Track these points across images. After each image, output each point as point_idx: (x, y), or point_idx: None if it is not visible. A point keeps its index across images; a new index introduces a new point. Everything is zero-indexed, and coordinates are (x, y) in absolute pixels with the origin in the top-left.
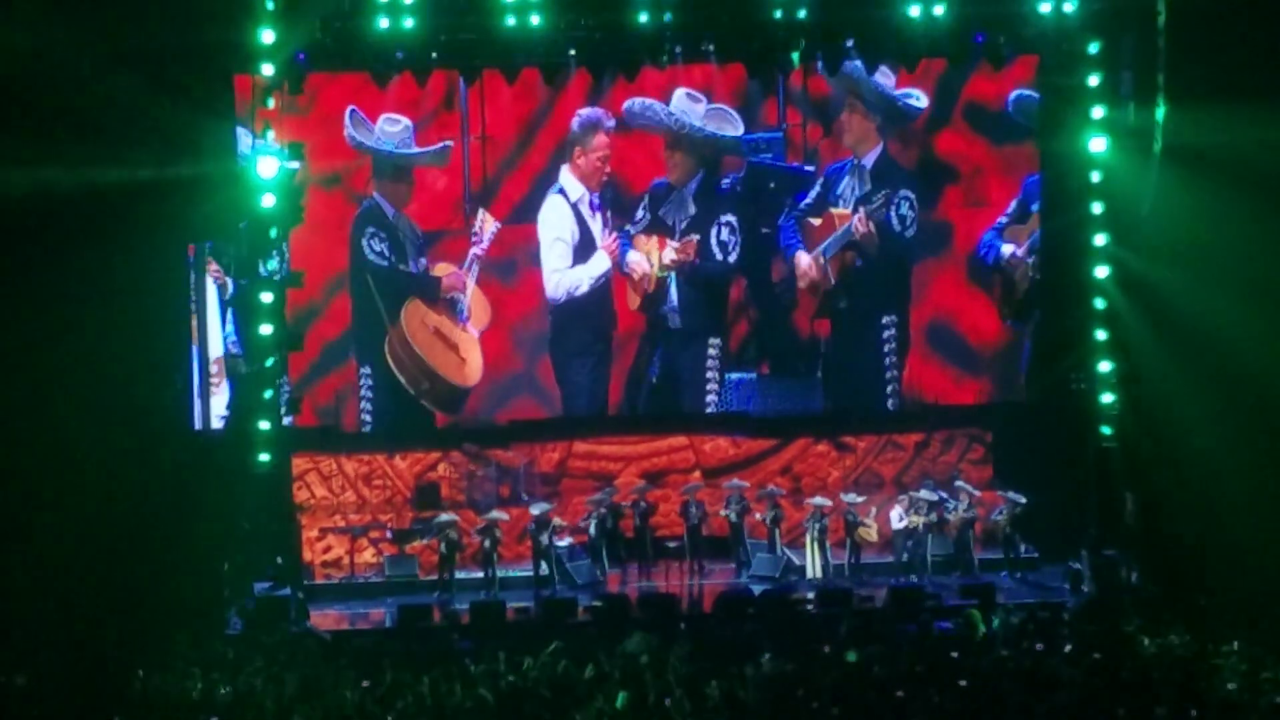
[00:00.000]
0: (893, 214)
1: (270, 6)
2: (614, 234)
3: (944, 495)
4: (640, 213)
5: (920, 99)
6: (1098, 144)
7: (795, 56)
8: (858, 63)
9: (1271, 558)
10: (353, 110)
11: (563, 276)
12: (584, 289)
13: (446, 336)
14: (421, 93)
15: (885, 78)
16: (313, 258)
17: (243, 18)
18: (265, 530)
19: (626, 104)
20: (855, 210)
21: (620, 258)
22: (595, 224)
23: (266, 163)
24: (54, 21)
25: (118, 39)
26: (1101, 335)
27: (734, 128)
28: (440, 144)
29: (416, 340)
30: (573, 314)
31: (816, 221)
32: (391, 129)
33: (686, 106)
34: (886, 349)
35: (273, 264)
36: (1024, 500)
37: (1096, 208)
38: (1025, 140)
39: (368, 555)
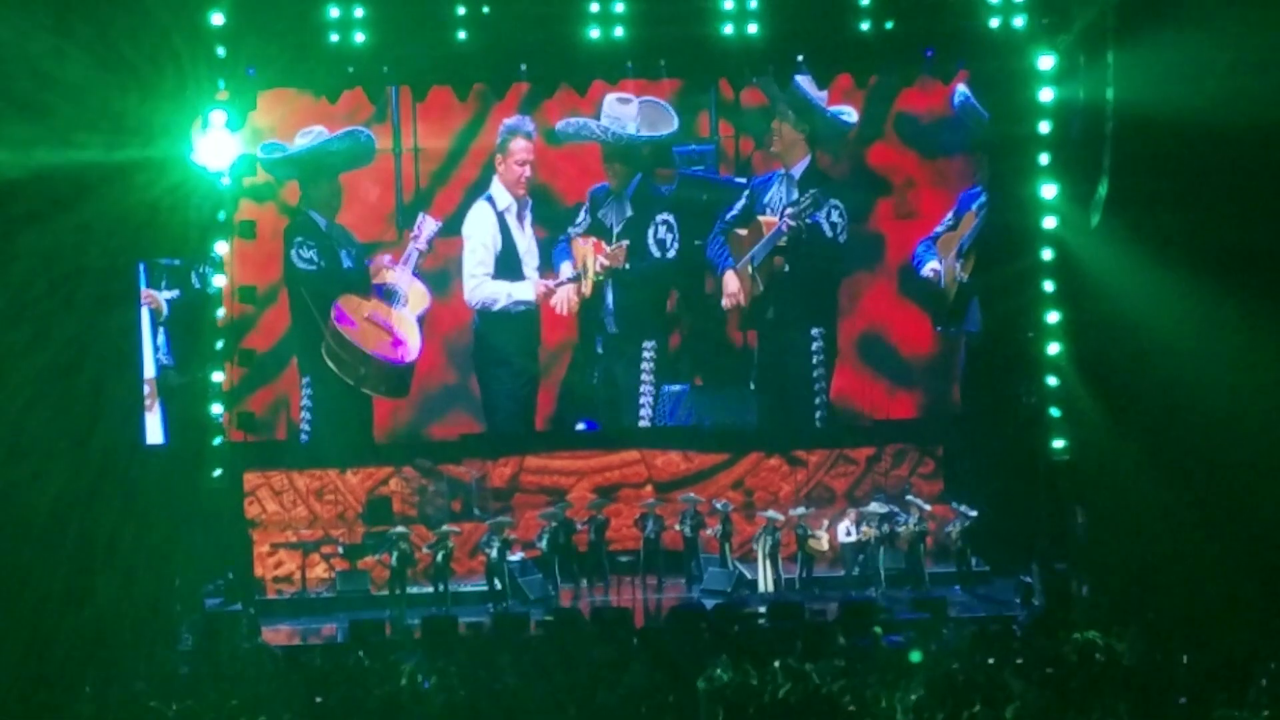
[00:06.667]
0: (823, 219)
1: (221, 24)
2: (544, 285)
3: (895, 509)
4: (581, 215)
5: (851, 115)
6: (1044, 157)
7: (746, 72)
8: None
9: (1220, 571)
10: (264, 144)
11: (481, 284)
12: (500, 305)
13: (380, 321)
14: (352, 106)
15: (817, 93)
16: (245, 270)
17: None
18: (216, 545)
19: (559, 125)
20: (782, 215)
21: (554, 265)
22: (522, 237)
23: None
24: None
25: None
26: (1054, 349)
27: (668, 123)
28: (349, 128)
29: (348, 330)
30: (494, 327)
31: (744, 232)
32: (304, 140)
33: (618, 111)
34: (815, 360)
35: (216, 278)
36: (975, 514)
37: (1050, 222)
38: (958, 153)
39: (320, 570)
